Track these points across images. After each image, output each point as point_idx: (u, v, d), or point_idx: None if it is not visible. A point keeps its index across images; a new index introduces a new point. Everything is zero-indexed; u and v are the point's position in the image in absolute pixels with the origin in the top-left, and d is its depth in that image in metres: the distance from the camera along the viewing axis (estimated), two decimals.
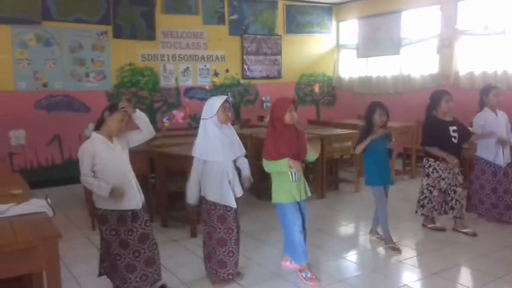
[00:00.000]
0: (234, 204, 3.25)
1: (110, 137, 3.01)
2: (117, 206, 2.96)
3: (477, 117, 4.55)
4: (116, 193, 2.89)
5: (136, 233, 3.04)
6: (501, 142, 4.41)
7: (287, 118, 3.31)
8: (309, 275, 3.41)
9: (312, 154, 3.53)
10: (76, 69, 6.97)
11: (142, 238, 3.06)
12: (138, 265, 3.04)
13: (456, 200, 4.38)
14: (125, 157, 3.07)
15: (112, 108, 3.01)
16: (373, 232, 4.31)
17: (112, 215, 2.98)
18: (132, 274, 3.02)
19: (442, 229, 4.45)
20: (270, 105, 3.60)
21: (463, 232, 4.36)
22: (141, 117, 3.08)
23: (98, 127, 3.04)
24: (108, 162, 2.95)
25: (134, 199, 3.03)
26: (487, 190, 4.62)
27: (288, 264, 3.63)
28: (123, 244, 3.00)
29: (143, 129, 3.12)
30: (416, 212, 4.54)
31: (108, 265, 3.09)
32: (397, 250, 3.97)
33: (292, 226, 3.38)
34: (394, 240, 4.10)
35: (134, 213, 3.04)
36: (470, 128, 4.58)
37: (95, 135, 3.00)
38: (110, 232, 2.99)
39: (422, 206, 4.47)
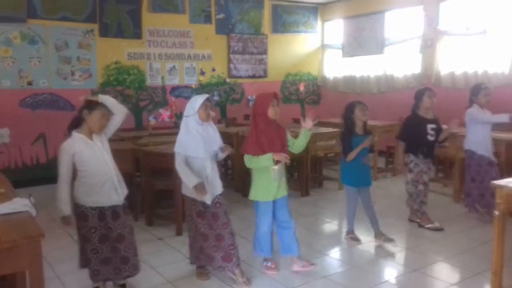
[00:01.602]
0: (209, 201, 3.29)
1: (90, 135, 2.99)
2: (98, 202, 2.98)
3: (470, 111, 4.62)
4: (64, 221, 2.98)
5: (114, 232, 3.05)
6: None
7: (271, 113, 3.35)
8: (269, 264, 3.58)
9: (301, 142, 3.51)
10: (62, 67, 6.92)
11: (119, 239, 3.08)
12: (114, 259, 3.08)
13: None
14: (105, 153, 3.04)
15: (91, 106, 2.96)
16: (379, 235, 4.22)
17: (93, 214, 2.99)
18: (106, 266, 3.07)
19: (441, 229, 4.47)
20: (253, 101, 3.62)
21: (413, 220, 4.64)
22: (106, 99, 3.03)
23: (75, 126, 3.01)
24: (89, 161, 2.95)
25: (115, 195, 3.03)
26: (477, 183, 4.71)
27: (296, 268, 3.61)
28: (101, 239, 3.02)
29: (114, 110, 3.06)
30: (407, 207, 4.65)
31: (83, 258, 3.13)
32: (357, 240, 4.19)
33: (262, 224, 3.52)
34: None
35: (114, 211, 3.06)
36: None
37: (75, 134, 2.97)
38: (89, 230, 3.00)
39: (414, 201, 4.56)
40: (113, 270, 3.09)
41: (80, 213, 3.01)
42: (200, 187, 3.17)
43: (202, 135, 3.27)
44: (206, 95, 3.34)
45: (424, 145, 4.41)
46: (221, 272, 3.45)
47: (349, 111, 4.04)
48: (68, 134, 3.01)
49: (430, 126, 4.40)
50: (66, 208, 2.93)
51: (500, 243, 2.95)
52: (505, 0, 6.46)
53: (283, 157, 3.34)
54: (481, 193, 4.69)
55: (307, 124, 3.46)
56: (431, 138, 4.42)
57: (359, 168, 4.07)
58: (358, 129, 4.05)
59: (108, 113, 3.00)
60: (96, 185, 2.97)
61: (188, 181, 3.21)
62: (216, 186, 3.36)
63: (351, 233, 4.26)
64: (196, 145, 3.25)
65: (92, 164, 2.96)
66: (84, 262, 3.15)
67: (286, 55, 9.27)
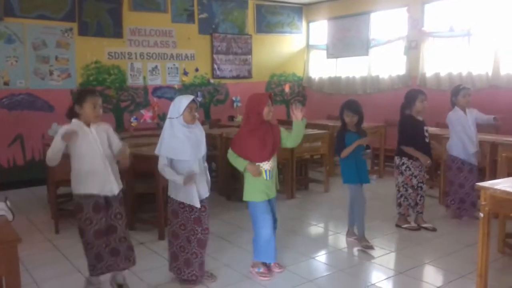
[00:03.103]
0: (198, 204, 3.22)
1: (88, 125, 3.08)
2: (90, 189, 3.01)
3: (450, 115, 4.69)
4: (67, 135, 2.89)
5: (106, 222, 3.10)
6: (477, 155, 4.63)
7: (265, 112, 3.33)
8: (261, 269, 3.49)
9: (296, 131, 3.44)
10: (39, 67, 6.74)
11: (109, 230, 3.11)
12: (105, 255, 3.11)
13: (422, 196, 4.57)
14: (99, 143, 3.08)
15: (80, 99, 3.04)
16: (350, 233, 4.26)
17: (87, 203, 3.03)
18: (99, 264, 3.11)
19: (417, 229, 4.50)
20: (246, 100, 3.58)
21: (424, 227, 4.51)
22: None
23: (71, 116, 3.10)
24: (82, 145, 2.99)
25: (108, 185, 3.07)
26: (455, 187, 4.76)
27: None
28: (97, 234, 3.06)
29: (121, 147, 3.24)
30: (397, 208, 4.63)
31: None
32: (370, 247, 4.01)
33: (262, 226, 3.40)
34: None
35: (107, 201, 3.10)
36: (435, 128, 4.71)
37: (74, 121, 3.06)
38: (85, 221, 3.04)
39: (399, 204, 4.55)
40: (106, 267, 3.14)
41: (76, 204, 3.07)
42: (189, 178, 3.13)
43: (188, 137, 3.18)
44: (192, 96, 3.25)
45: (421, 148, 4.40)
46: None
47: (340, 110, 4.06)
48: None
49: (425, 128, 4.44)
50: (58, 139, 2.91)
51: (485, 245, 2.93)
52: (489, 2, 6.51)
53: (256, 172, 3.31)
54: (461, 197, 4.73)
55: (297, 115, 3.37)
56: (427, 140, 4.44)
57: (357, 164, 4.04)
58: (351, 127, 4.05)
59: (100, 101, 3.09)
60: (87, 172, 3.02)
61: (176, 179, 3.15)
62: (203, 190, 3.30)
63: (365, 241, 4.06)
64: (182, 147, 3.16)
65: (84, 148, 3.00)
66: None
67: (271, 55, 9.21)
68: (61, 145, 2.92)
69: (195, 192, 3.21)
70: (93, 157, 3.03)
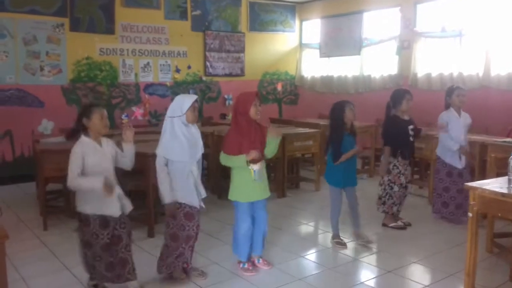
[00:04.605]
0: (198, 204, 3.26)
1: (98, 141, 3.06)
2: (98, 210, 2.99)
3: (442, 115, 4.70)
4: (107, 185, 2.88)
5: (112, 235, 3.09)
6: (462, 150, 4.60)
7: (252, 112, 3.32)
8: (246, 265, 3.54)
9: (271, 146, 3.45)
10: (30, 63, 6.68)
11: (116, 240, 3.09)
12: (116, 265, 3.09)
13: (405, 196, 4.64)
14: (112, 163, 3.10)
15: (87, 112, 3.03)
16: (356, 235, 4.21)
17: (95, 220, 3.00)
18: (110, 273, 3.10)
19: (403, 228, 4.54)
20: (235, 99, 3.59)
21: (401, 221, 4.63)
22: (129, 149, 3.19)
23: (73, 136, 3.06)
24: (95, 165, 2.99)
25: (115, 206, 3.05)
26: (438, 190, 4.77)
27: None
28: (104, 247, 3.04)
29: (128, 157, 3.19)
30: (378, 209, 4.63)
31: (87, 262, 3.13)
32: (343, 245, 4.10)
33: (241, 225, 3.48)
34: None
35: (120, 218, 3.10)
36: (423, 127, 4.75)
37: (84, 138, 3.03)
38: (91, 236, 3.01)
39: (383, 203, 4.56)
40: (116, 277, 3.12)
41: (83, 218, 3.03)
42: (171, 208, 3.19)
43: (187, 138, 3.18)
44: (195, 96, 3.27)
45: (406, 147, 4.44)
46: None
47: (339, 111, 3.98)
48: (72, 138, 3.08)
49: (410, 127, 4.46)
50: (97, 179, 2.89)
51: (473, 244, 2.96)
52: (480, 2, 6.55)
53: (254, 154, 3.28)
54: (444, 201, 4.73)
55: (271, 133, 3.43)
56: (411, 139, 4.48)
57: (345, 168, 4.03)
58: (347, 129, 4.02)
59: (105, 113, 3.08)
60: (96, 192, 2.95)
61: (165, 194, 3.17)
62: (202, 190, 3.34)
63: (337, 238, 4.17)
64: (182, 148, 3.16)
65: (97, 169, 2.98)
66: (88, 268, 3.16)
67: (264, 53, 9.19)
68: (97, 187, 2.89)
69: (195, 192, 3.24)
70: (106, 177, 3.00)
